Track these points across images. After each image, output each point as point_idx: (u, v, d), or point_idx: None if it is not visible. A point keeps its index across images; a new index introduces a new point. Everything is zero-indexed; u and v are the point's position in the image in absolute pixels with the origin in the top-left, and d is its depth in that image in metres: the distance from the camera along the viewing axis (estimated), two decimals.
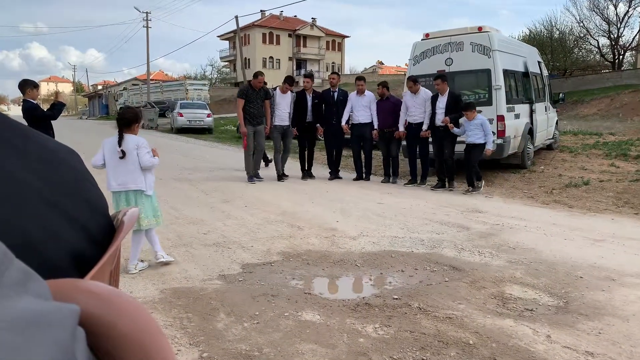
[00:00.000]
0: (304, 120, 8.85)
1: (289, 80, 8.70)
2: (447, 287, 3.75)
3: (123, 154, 4.06)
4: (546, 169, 9.44)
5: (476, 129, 7.64)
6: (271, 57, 59.87)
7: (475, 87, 8.65)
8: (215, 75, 62.10)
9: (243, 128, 8.33)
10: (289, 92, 8.71)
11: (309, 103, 8.84)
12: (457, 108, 7.80)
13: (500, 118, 8.32)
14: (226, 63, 64.38)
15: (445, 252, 4.62)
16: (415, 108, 8.31)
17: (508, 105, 8.53)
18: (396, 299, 3.53)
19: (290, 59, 61.06)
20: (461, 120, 7.88)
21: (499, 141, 8.30)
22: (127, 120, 4.16)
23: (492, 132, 8.23)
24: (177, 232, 5.35)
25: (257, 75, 8.37)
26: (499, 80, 8.32)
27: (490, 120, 8.33)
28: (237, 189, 8.05)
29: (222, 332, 3.03)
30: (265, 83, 8.53)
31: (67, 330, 0.28)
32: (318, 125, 8.93)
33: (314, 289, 3.76)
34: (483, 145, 7.65)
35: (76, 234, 0.39)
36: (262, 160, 9.36)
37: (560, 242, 4.94)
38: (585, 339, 2.92)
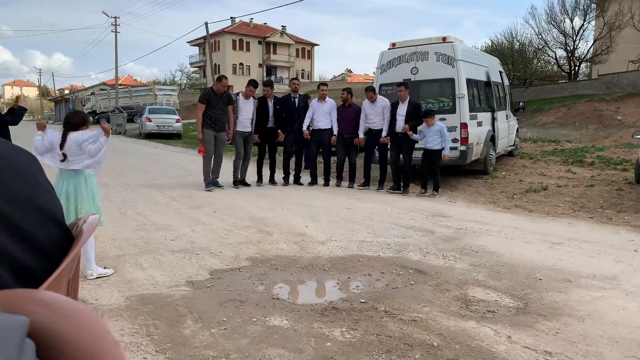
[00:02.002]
0: (265, 126, 8.82)
1: (253, 83, 8.62)
2: (412, 290, 3.79)
3: (64, 157, 3.93)
4: (507, 175, 9.68)
5: (435, 135, 7.82)
6: (241, 64, 59.57)
7: (439, 95, 8.80)
8: (185, 81, 61.31)
9: (200, 133, 8.18)
10: (252, 98, 8.66)
11: (270, 109, 8.82)
12: (417, 115, 7.97)
13: (464, 125, 8.49)
14: (196, 69, 63.67)
15: (411, 256, 4.67)
16: (374, 116, 8.46)
17: (471, 114, 8.71)
18: (363, 302, 3.55)
19: (260, 65, 60.88)
20: (420, 127, 8.05)
21: (462, 148, 8.47)
22: (74, 125, 4.01)
23: (456, 139, 8.42)
24: (145, 238, 5.24)
25: (220, 78, 8.30)
26: (462, 89, 8.49)
27: (454, 128, 8.49)
28: (207, 194, 7.95)
29: (189, 338, 2.97)
30: (227, 88, 8.47)
31: (12, 343, 0.27)
32: (279, 131, 8.89)
33: (283, 294, 3.74)
34: (441, 151, 7.84)
35: (21, 246, 0.38)
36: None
37: (521, 246, 5.05)
38: (544, 339, 2.99)
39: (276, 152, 9.29)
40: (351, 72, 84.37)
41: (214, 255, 4.65)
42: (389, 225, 5.95)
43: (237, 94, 8.87)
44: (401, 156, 8.25)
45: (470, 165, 9.26)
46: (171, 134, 22.74)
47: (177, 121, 23.00)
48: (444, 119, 8.49)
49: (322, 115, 8.84)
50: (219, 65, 57.31)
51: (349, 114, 8.74)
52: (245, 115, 8.56)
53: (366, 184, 8.82)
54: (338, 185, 9.01)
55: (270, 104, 8.84)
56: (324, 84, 9.21)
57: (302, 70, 66.81)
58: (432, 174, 7.97)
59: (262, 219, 6.22)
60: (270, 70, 62.74)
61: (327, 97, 8.93)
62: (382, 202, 7.49)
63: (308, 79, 68.02)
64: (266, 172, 9.27)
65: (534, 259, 4.59)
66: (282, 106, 8.92)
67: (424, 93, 8.82)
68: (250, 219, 6.22)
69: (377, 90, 9.04)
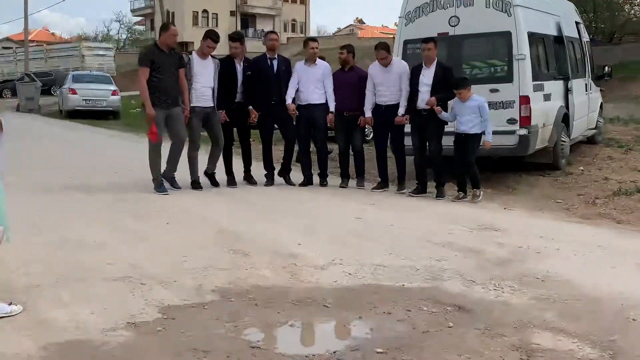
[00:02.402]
0: (232, 99, 8.79)
1: (212, 35, 8.58)
2: (450, 336, 3.79)
3: None
4: (587, 171, 9.72)
5: (471, 114, 7.85)
6: (205, 11, 59.66)
7: (489, 56, 8.84)
8: (125, 36, 61.36)
9: (150, 108, 8.01)
10: (211, 58, 8.65)
11: (239, 75, 8.79)
12: (448, 85, 7.99)
13: (524, 100, 8.53)
14: (140, 18, 63.73)
15: (449, 287, 4.67)
16: (387, 86, 8.51)
17: (535, 83, 8.75)
18: (380, 353, 3.55)
19: (232, 13, 60.98)
20: (451, 102, 8.08)
21: (522, 132, 8.52)
22: None
23: (513, 119, 8.47)
24: (67, 261, 5.24)
25: (166, 26, 8.31)
26: (522, 47, 8.51)
27: (510, 103, 8.52)
28: (157, 199, 7.97)
29: None
30: (185, 48, 8.52)
31: None
32: (251, 107, 8.83)
33: (265, 342, 3.74)
34: (480, 135, 7.87)
35: None
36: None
37: (607, 272, 5.06)
38: None
39: (249, 136, 9.33)
40: (363, 23, 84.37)
41: (167, 285, 4.65)
42: (416, 242, 5.96)
43: (190, 52, 8.87)
44: (427, 144, 8.29)
45: (534, 157, 9.30)
46: (105, 111, 22.75)
47: (114, 93, 23.01)
48: (496, 91, 8.50)
49: (312, 84, 8.87)
50: (173, 13, 57.31)
51: (349, 82, 8.79)
52: (203, 82, 8.51)
53: (383, 184, 8.88)
54: (343, 185, 9.07)
55: (239, 67, 8.83)
56: (313, 39, 9.27)
57: (293, 20, 66.90)
58: (466, 168, 8.00)
59: (236, 233, 6.22)
60: (247, 20, 62.80)
61: (318, 59, 8.96)
62: (406, 209, 7.51)
63: (301, 32, 68.05)
64: (239, 166, 9.31)
65: (626, 291, 4.58)
66: (255, 71, 8.90)
67: (468, 53, 8.86)
68: (218, 233, 6.22)
69: (398, 50, 9.04)
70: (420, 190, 8.42)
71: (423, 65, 8.18)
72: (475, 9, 8.80)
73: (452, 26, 8.93)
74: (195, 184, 8.68)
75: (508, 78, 8.60)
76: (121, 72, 39.63)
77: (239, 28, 58.60)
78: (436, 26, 8.96)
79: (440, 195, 8.27)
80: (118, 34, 62.52)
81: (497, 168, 9.57)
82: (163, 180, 8.38)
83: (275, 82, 8.87)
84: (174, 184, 8.50)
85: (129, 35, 62.57)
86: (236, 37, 8.93)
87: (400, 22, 9.50)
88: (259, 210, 7.44)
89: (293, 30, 67.62)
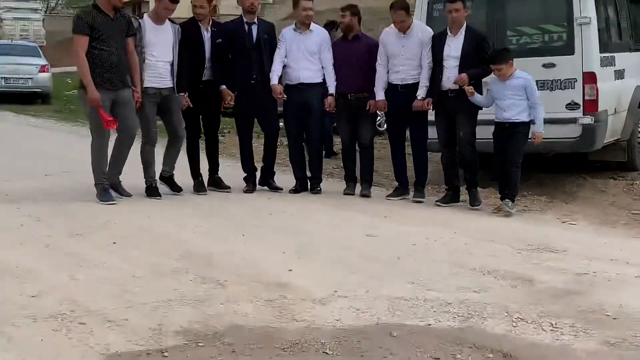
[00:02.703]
0: (199, 77, 8.79)
1: None
2: None
3: None
4: None
5: (515, 97, 7.84)
6: None
7: (543, 20, 8.86)
8: None
9: (93, 89, 7.90)
10: (170, 23, 8.61)
11: (207, 45, 8.80)
12: (481, 59, 8.02)
13: (589, 77, 8.53)
14: None
15: (490, 327, 4.66)
16: (405, 58, 8.51)
17: (603, 55, 8.79)
18: None
19: None
20: (487, 80, 8.10)
21: (587, 120, 8.52)
22: None
23: (574, 103, 8.43)
24: None
25: None
26: (587, 7, 8.53)
27: (570, 82, 8.53)
28: (100, 210, 7.95)
29: None
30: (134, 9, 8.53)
31: None
32: (224, 87, 8.84)
33: None
34: (527, 125, 7.86)
35: None
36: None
37: None
38: None
39: (218, 127, 9.41)
40: None
41: (114, 325, 4.63)
42: (446, 267, 5.97)
43: (140, 16, 8.82)
44: (458, 131, 8.27)
45: (602, 155, 9.35)
46: (30, 93, 22.69)
47: (43, 69, 22.96)
48: (552, 66, 8.51)
49: (304, 57, 8.89)
50: None
51: (354, 54, 8.83)
52: (159, 55, 8.49)
53: (402, 190, 8.88)
54: (348, 192, 9.09)
55: (206, 34, 8.82)
56: None
57: None
58: (507, 161, 7.96)
59: (208, 256, 6.22)
60: None
61: (313, 24, 8.99)
62: (432, 223, 7.52)
63: None
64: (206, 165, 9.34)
65: None
66: (228, 40, 8.90)
67: (514, 16, 8.90)
68: (183, 256, 6.22)
69: (421, 11, 9.01)
70: (452, 197, 8.43)
71: (448, 32, 8.20)
72: None
73: None
74: (152, 191, 8.66)
75: (568, 49, 8.62)
76: (53, 41, 39.60)
77: None
78: None
79: (474, 203, 8.29)
80: None
81: (552, 168, 9.58)
82: (109, 186, 8.35)
83: (255, 55, 8.89)
84: (121, 191, 8.48)
85: None
86: None
87: None
88: (237, 225, 7.43)
89: None
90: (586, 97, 8.51)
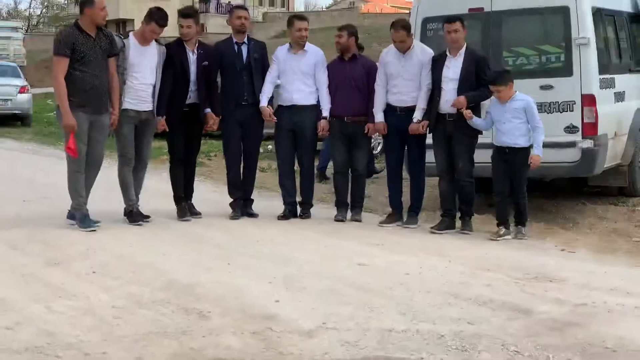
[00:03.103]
0: (182, 100, 8.83)
1: (158, 19, 8.50)
2: None
3: None
4: None
5: (515, 120, 7.91)
6: None
7: (539, 40, 8.95)
8: (40, 12, 61.23)
9: (69, 118, 7.89)
10: (156, 43, 8.69)
11: (192, 67, 8.84)
12: (481, 80, 8.09)
13: (588, 100, 8.59)
14: None
15: None
16: (405, 80, 8.59)
17: (603, 77, 8.84)
18: None
19: None
20: (486, 103, 8.18)
21: (586, 144, 8.57)
22: None
23: (573, 126, 8.50)
24: None
25: (93, 0, 8.18)
26: (585, 27, 8.60)
27: (568, 105, 8.60)
28: (79, 237, 7.96)
29: None
30: (120, 29, 8.53)
31: None
32: (208, 111, 8.92)
33: None
34: (527, 150, 7.92)
35: None
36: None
37: None
38: None
39: (198, 150, 9.51)
40: None
41: (93, 359, 4.63)
42: (440, 297, 5.97)
43: (125, 36, 8.84)
44: (456, 160, 8.34)
45: (602, 180, 9.38)
46: (10, 115, 22.57)
47: (22, 90, 22.82)
48: (549, 87, 8.59)
49: (298, 78, 8.98)
50: None
51: (351, 75, 8.90)
52: (142, 77, 8.55)
53: (396, 216, 8.95)
54: (339, 218, 9.13)
55: (191, 55, 8.87)
56: (301, 17, 9.34)
57: None
58: (514, 193, 8.07)
59: (189, 286, 6.21)
60: None
61: (308, 44, 9.09)
62: (426, 251, 7.53)
63: (283, 6, 68.11)
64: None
65: None
66: (215, 61, 8.99)
67: (510, 36, 8.97)
68: (165, 285, 6.21)
69: (415, 31, 9.10)
70: (447, 224, 8.47)
71: (447, 53, 8.28)
72: None
73: None
74: (133, 216, 8.69)
75: (565, 70, 8.69)
76: (34, 60, 39.46)
77: (196, 0, 58.75)
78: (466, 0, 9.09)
79: (466, 228, 8.38)
80: (30, 8, 62.49)
81: (550, 194, 9.62)
82: (86, 212, 8.34)
83: (245, 76, 8.97)
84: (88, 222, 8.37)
85: (44, 10, 62.47)
86: (188, 13, 8.99)
87: None
88: (223, 253, 7.43)
89: (272, 3, 67.90)
90: (585, 120, 8.56)
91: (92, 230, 8.20)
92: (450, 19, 8.23)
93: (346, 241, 8.08)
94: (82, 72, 8.07)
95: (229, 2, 58.97)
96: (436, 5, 9.29)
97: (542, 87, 8.57)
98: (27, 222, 8.79)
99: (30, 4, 60.68)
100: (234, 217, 9.16)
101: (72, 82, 8.04)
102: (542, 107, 8.34)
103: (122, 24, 57.73)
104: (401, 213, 8.96)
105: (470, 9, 8.87)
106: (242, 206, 9.29)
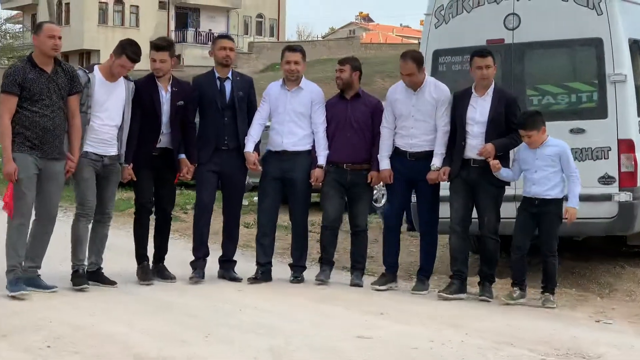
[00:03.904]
0: (152, 144, 8.76)
1: (130, 52, 8.41)
2: None
3: None
4: None
5: (548, 168, 7.91)
6: (119, 1, 60.39)
7: (568, 77, 8.95)
8: None
9: (10, 164, 7.72)
10: (125, 80, 8.58)
11: (164, 107, 8.79)
12: (511, 124, 8.08)
13: (626, 146, 8.60)
14: (15, 12, 64.40)
15: None
16: (417, 120, 8.58)
17: None
18: None
19: (162, 5, 61.74)
20: (516, 151, 8.17)
21: (624, 197, 8.54)
22: None
23: (609, 177, 8.46)
24: None
25: (41, 26, 8.09)
26: (621, 62, 8.62)
27: (602, 152, 8.58)
28: (31, 306, 7.83)
29: None
30: (83, 61, 8.48)
31: None
32: (182, 156, 8.85)
33: None
34: (560, 202, 7.90)
35: None
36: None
37: None
38: None
39: (173, 202, 9.44)
40: (370, 21, 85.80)
41: None
42: None
43: (90, 69, 8.63)
44: (481, 214, 8.32)
45: None
46: None
47: None
48: (581, 131, 8.57)
49: (290, 119, 8.97)
50: (67, 4, 57.97)
51: (354, 116, 8.89)
52: (107, 118, 8.44)
53: (391, 276, 8.92)
54: (321, 279, 9.04)
55: (165, 95, 8.82)
56: (294, 48, 9.28)
57: (259, 16, 67.82)
58: (542, 252, 8.00)
59: None
60: (187, 15, 63.59)
61: (303, 79, 9.08)
62: (436, 321, 7.47)
63: (272, 35, 68.83)
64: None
65: None
66: (192, 100, 8.95)
67: (534, 72, 8.98)
68: None
69: (425, 65, 9.09)
70: (458, 288, 8.37)
71: (472, 91, 8.25)
72: (545, 2, 8.96)
73: (509, 29, 9.09)
74: (78, 278, 8.47)
75: (599, 111, 8.70)
76: None
77: (172, 28, 59.42)
78: (484, 29, 9.14)
79: (486, 294, 8.29)
80: None
81: (583, 255, 9.57)
82: (26, 274, 8.14)
83: (228, 116, 8.92)
84: (39, 283, 8.23)
85: None
86: (162, 46, 8.93)
87: (429, 22, 9.63)
88: (200, 323, 7.32)
89: (259, 31, 68.58)
90: (623, 170, 8.53)
91: (23, 294, 7.91)
92: (481, 53, 8.19)
93: (343, 309, 7.97)
94: (32, 112, 7.92)
95: (210, 30, 59.67)
96: (449, 36, 9.32)
97: (573, 131, 8.54)
98: None
99: None
100: (193, 278, 9.00)
101: (20, 122, 7.90)
102: (573, 154, 8.25)
103: (87, 56, 58.19)
104: (395, 273, 8.95)
105: (488, 41, 8.87)
106: (224, 269, 9.26)
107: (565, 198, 7.88)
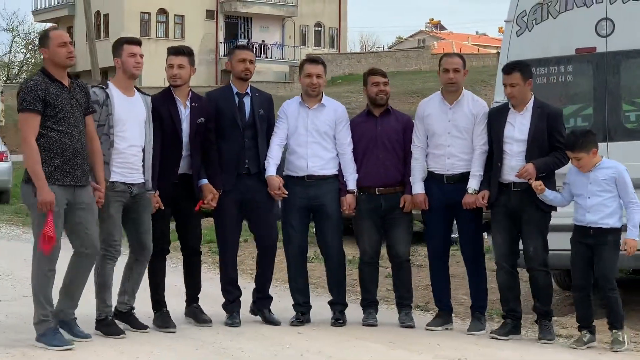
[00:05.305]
0: (174, 169, 8.57)
1: (124, 39, 8.43)
2: None
3: None
4: None
5: (603, 193, 7.86)
6: (162, 11, 61.04)
7: None
8: (23, 57, 62.66)
9: (47, 193, 7.34)
10: (139, 94, 8.44)
11: (184, 124, 8.64)
12: (554, 141, 8.06)
13: None
14: (50, 25, 65.19)
15: None
16: (453, 137, 8.59)
17: None
18: None
19: (210, 14, 62.30)
20: (564, 169, 8.12)
21: None
22: None
23: None
24: None
25: (47, 35, 7.84)
26: None
27: None
28: (55, 356, 7.70)
29: None
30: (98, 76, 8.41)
31: None
32: (205, 182, 8.64)
33: None
34: (619, 231, 7.82)
35: None
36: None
37: None
38: None
39: (200, 237, 9.35)
40: (442, 29, 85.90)
41: None
42: None
43: (104, 84, 8.40)
44: (526, 244, 8.26)
45: None
46: None
47: (0, 157, 23.26)
48: None
49: (314, 140, 8.91)
50: (106, 15, 58.80)
51: (385, 134, 8.89)
52: (132, 137, 8.23)
53: (446, 316, 8.92)
54: (369, 322, 8.96)
55: (185, 111, 8.69)
56: (315, 60, 9.26)
57: (319, 24, 68.06)
58: (599, 287, 7.93)
59: None
60: (237, 24, 64.08)
61: (325, 97, 9.07)
62: None
63: (332, 46, 69.02)
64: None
65: None
66: (212, 117, 8.83)
67: (632, 84, 8.92)
68: None
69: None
70: (512, 328, 8.34)
71: (510, 107, 8.24)
72: None
73: (601, 36, 9.02)
74: (106, 326, 8.24)
75: None
76: (14, 119, 40.31)
77: (221, 40, 59.85)
78: (573, 36, 9.09)
79: (547, 336, 8.18)
80: (9, 52, 63.86)
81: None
82: (57, 324, 7.90)
83: (248, 137, 8.82)
84: (76, 332, 7.98)
85: (28, 55, 63.82)
86: (181, 50, 8.82)
87: (509, 29, 9.62)
88: None
89: (318, 42, 68.81)
90: None
91: (68, 349, 7.65)
92: (506, 69, 8.24)
93: (417, 354, 7.84)
94: (59, 133, 7.59)
95: (263, 41, 60.14)
96: (533, 45, 9.31)
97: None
98: (1, 329, 8.70)
99: (11, 47, 61.89)
100: (230, 323, 8.85)
101: (47, 146, 7.56)
102: None
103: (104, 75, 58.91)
104: (450, 313, 8.98)
105: (578, 50, 8.82)
106: (258, 306, 9.13)
107: (624, 228, 7.79)
